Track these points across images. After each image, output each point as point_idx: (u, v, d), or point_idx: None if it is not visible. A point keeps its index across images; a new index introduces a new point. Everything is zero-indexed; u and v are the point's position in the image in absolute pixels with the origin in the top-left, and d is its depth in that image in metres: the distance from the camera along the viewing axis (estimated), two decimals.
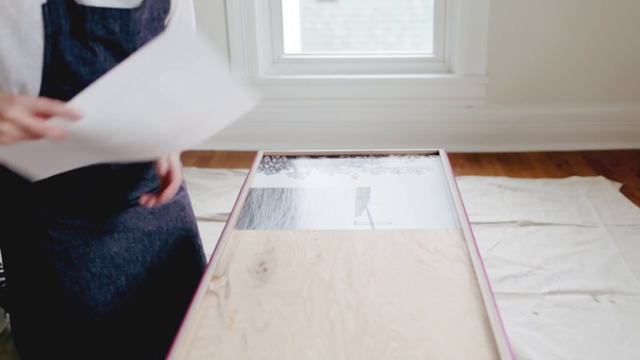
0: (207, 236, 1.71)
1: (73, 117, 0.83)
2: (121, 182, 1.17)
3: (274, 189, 1.31)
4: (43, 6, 0.96)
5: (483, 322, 0.86)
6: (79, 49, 1.01)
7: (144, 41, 1.08)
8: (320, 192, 1.30)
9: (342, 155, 1.50)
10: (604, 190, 2.45)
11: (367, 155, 1.50)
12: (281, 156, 1.50)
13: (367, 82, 2.88)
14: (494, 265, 1.95)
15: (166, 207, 1.25)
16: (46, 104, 0.84)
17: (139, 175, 1.19)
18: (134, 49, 1.06)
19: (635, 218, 2.22)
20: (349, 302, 0.92)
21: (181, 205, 1.29)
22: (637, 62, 2.80)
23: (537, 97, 2.87)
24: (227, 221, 1.17)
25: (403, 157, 1.48)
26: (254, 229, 1.15)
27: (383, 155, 1.49)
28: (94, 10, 1.00)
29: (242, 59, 2.85)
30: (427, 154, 1.49)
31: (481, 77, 2.82)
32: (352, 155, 1.50)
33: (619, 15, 2.74)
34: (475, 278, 0.97)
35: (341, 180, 1.36)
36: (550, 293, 1.81)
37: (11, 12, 0.95)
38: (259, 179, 1.38)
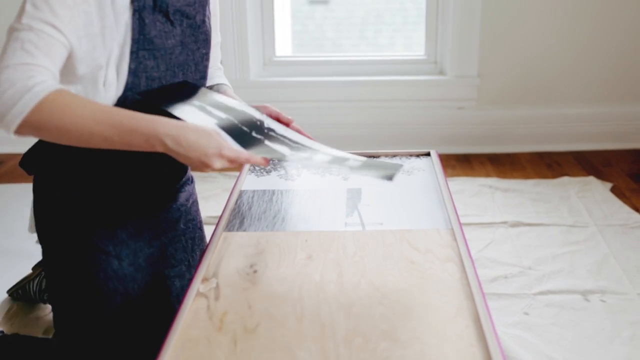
0: None
1: (264, 165, 0.99)
2: (166, 186, 1.18)
3: (264, 191, 1.31)
4: None
5: (474, 321, 0.86)
6: (162, 23, 1.02)
7: (207, 13, 1.12)
8: (311, 194, 1.29)
9: None
10: (595, 191, 2.46)
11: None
12: (272, 158, 1.50)
13: (358, 84, 2.88)
14: (484, 266, 1.95)
15: (193, 204, 1.27)
16: (247, 158, 0.97)
17: (180, 175, 1.22)
18: (202, 22, 1.10)
19: (626, 218, 2.24)
20: (339, 303, 0.92)
21: (196, 205, 1.32)
22: (629, 63, 2.82)
23: (529, 98, 2.89)
24: (217, 223, 1.16)
25: (394, 158, 1.48)
26: (244, 230, 1.14)
27: (374, 157, 1.49)
28: None
29: (233, 62, 2.85)
30: (418, 155, 1.49)
31: (473, 79, 2.83)
32: None
33: (610, 17, 2.76)
34: (466, 278, 0.97)
35: (332, 181, 1.36)
36: (541, 293, 1.82)
37: None
38: (250, 181, 1.37)
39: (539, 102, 2.89)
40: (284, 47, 3.06)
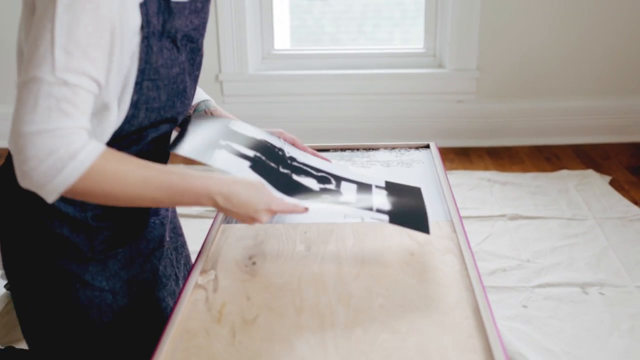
0: (195, 233, 1.68)
1: (304, 212, 0.97)
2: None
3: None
4: (141, 5, 0.87)
5: (473, 312, 0.86)
6: (169, 50, 0.93)
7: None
8: None
9: (332, 149, 1.49)
10: (594, 184, 2.46)
11: (357, 149, 1.49)
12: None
13: (357, 78, 2.87)
14: (483, 259, 1.95)
15: (172, 211, 1.22)
16: (292, 209, 0.96)
17: None
18: (202, 45, 1.03)
19: (625, 211, 2.23)
20: (338, 294, 0.92)
21: (174, 210, 1.26)
22: (627, 56, 2.82)
23: (528, 91, 2.88)
24: (216, 216, 1.16)
25: (393, 150, 1.48)
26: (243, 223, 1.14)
27: (373, 149, 1.49)
28: (184, 5, 0.94)
29: (231, 55, 2.84)
30: (417, 147, 1.49)
31: (472, 72, 2.82)
32: (342, 149, 1.49)
33: (609, 10, 2.75)
34: (466, 269, 0.96)
35: None
36: (540, 286, 1.82)
37: (116, 23, 0.84)
38: None
39: (538, 95, 2.88)
40: (282, 41, 3.05)
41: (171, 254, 1.17)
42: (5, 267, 1.04)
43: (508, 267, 1.91)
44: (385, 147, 1.48)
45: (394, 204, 1.03)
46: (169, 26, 0.92)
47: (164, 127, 1.02)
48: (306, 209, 0.97)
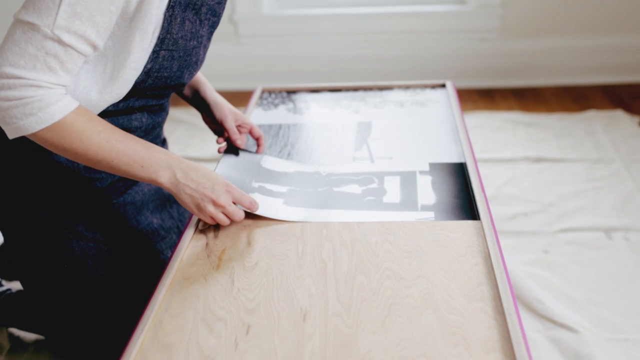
0: None
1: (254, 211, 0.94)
2: None
3: (270, 125, 1.26)
4: None
5: (484, 258, 0.81)
6: (191, 22, 0.92)
7: None
8: (319, 128, 1.24)
9: (344, 89, 1.43)
10: (622, 125, 2.35)
11: (371, 89, 1.42)
12: (280, 91, 1.44)
13: (375, 16, 2.76)
14: (504, 203, 1.89)
15: None
16: (250, 203, 0.92)
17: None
18: (221, 19, 1.01)
19: None
20: (343, 240, 0.88)
21: None
22: None
23: (555, 29, 2.74)
24: (220, 159, 1.11)
25: (408, 90, 1.41)
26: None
27: (387, 89, 1.42)
28: None
29: None
30: (433, 87, 1.42)
31: (495, 8, 2.68)
32: (355, 89, 1.43)
33: None
34: (478, 213, 0.91)
35: (342, 115, 1.30)
36: (562, 231, 1.76)
37: None
38: (257, 115, 1.32)
39: (566, 32, 2.74)
40: None
41: (171, 206, 1.14)
42: None
43: (530, 211, 1.85)
44: (400, 87, 1.42)
45: (439, 194, 0.98)
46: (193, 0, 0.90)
47: (166, 92, 1.00)
48: (257, 208, 0.93)
